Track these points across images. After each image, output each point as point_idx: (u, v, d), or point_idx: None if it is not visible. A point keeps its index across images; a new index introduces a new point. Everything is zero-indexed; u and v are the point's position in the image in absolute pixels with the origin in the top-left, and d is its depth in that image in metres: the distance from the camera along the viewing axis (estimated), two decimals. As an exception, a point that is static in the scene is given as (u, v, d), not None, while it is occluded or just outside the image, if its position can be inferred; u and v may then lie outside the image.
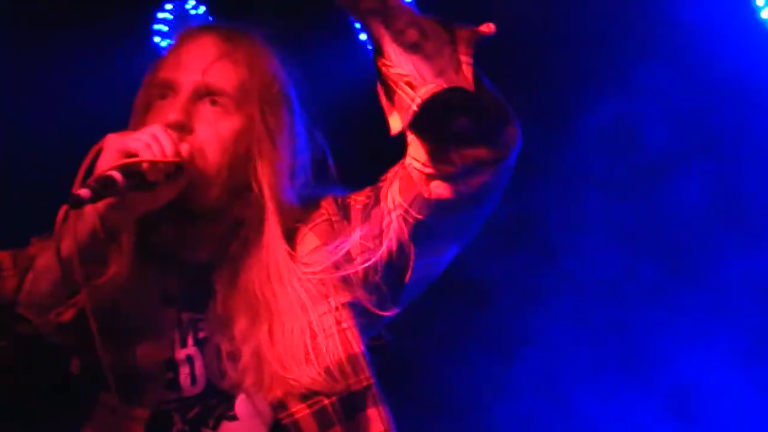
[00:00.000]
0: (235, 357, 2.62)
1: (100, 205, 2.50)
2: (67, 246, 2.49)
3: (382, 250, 2.65)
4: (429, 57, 2.42)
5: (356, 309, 2.68)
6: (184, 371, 2.66)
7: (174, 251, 2.71)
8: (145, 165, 2.53)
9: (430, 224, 2.61)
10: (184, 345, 2.67)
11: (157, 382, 2.65)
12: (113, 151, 2.53)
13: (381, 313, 2.68)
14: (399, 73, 2.42)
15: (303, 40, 4.51)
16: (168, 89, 2.71)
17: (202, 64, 2.72)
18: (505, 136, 2.51)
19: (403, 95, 2.43)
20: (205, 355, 2.64)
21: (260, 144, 2.71)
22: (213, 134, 2.67)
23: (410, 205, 2.60)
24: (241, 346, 2.60)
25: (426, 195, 2.58)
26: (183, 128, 2.64)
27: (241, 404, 2.60)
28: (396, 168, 2.66)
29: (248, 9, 4.81)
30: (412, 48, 2.41)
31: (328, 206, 2.75)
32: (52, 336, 2.55)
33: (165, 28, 5.28)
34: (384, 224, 2.65)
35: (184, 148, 2.59)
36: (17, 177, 4.72)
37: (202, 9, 5.32)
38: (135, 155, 2.53)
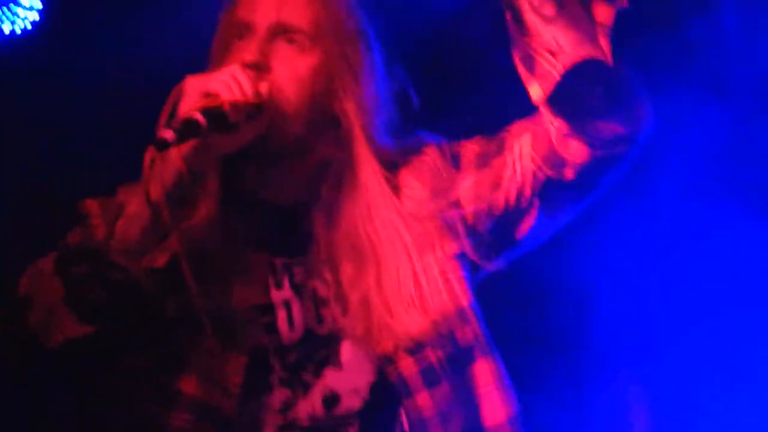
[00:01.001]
0: (337, 302, 2.62)
1: (184, 147, 2.53)
2: (155, 190, 2.51)
3: (499, 200, 2.64)
4: (567, 28, 2.48)
5: (462, 261, 2.66)
6: (282, 315, 2.67)
7: (261, 194, 2.72)
8: (226, 106, 2.57)
9: (559, 183, 2.60)
10: (279, 288, 2.69)
11: (254, 326, 2.67)
12: (194, 93, 2.57)
13: (485, 265, 2.67)
14: (540, 42, 2.49)
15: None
16: (245, 29, 2.72)
17: (276, 3, 2.73)
18: (639, 112, 2.54)
19: (545, 63, 2.49)
20: (302, 300, 2.65)
21: (341, 79, 2.72)
22: (290, 72, 2.68)
23: (543, 161, 2.59)
24: (348, 293, 2.59)
25: (562, 153, 2.56)
26: (261, 68, 2.67)
27: (346, 352, 2.62)
28: (525, 122, 2.65)
29: None
30: (550, 20, 2.48)
31: (431, 152, 2.75)
32: (146, 282, 2.59)
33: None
34: (506, 175, 2.63)
35: (263, 88, 2.63)
36: (98, 124, 4.69)
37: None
38: (216, 96, 2.57)
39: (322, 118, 2.71)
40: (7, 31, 5.01)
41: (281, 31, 2.72)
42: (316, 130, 2.71)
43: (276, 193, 2.73)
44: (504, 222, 2.66)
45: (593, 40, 2.49)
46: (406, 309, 2.55)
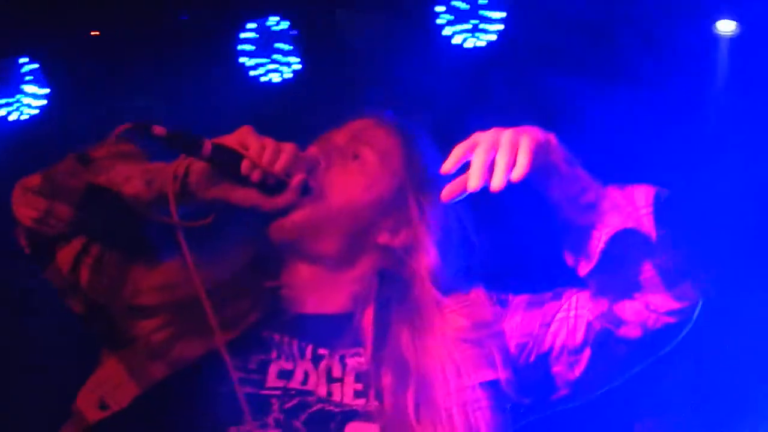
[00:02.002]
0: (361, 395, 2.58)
1: (196, 166, 2.56)
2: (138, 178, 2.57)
3: (547, 337, 2.61)
4: (605, 212, 2.50)
5: (496, 389, 2.61)
6: (298, 373, 2.63)
7: (298, 308, 2.69)
8: (245, 158, 2.54)
9: (617, 337, 2.57)
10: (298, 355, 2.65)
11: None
12: (234, 136, 2.59)
13: (517, 396, 2.61)
14: (584, 223, 2.49)
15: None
16: (324, 138, 2.76)
17: (360, 126, 2.77)
18: (689, 287, 2.54)
19: (593, 237, 2.49)
20: (317, 372, 2.60)
21: (407, 204, 2.71)
22: (342, 183, 2.68)
23: (601, 314, 2.57)
24: (385, 396, 2.56)
25: (620, 314, 2.55)
26: (313, 164, 2.66)
27: (353, 430, 2.58)
28: (588, 284, 2.60)
29: (331, 23, 5.25)
30: (589, 208, 2.50)
31: (478, 291, 2.71)
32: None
33: (250, 48, 5.38)
34: (558, 317, 2.62)
35: (298, 176, 2.60)
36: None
37: (285, 24, 5.38)
38: (245, 148, 2.57)
39: (366, 239, 2.70)
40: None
41: (353, 146, 2.74)
42: (357, 247, 2.70)
43: (317, 305, 2.71)
44: (548, 361, 2.64)
45: (636, 217, 2.51)
46: (434, 424, 2.55)
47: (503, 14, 5.11)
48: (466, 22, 5.13)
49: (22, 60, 5.36)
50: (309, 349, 2.63)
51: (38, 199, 2.62)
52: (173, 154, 2.59)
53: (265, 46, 5.32)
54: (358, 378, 2.62)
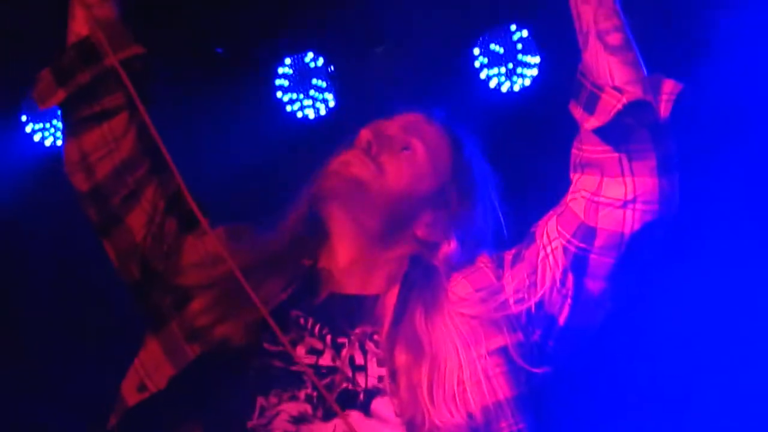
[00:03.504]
0: (383, 373, 2.63)
1: None
2: None
3: (537, 285, 2.63)
4: (626, 64, 2.50)
5: (506, 355, 2.65)
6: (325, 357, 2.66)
7: (335, 284, 2.75)
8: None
9: (593, 255, 2.58)
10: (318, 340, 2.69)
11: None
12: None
13: (528, 367, 2.65)
14: (597, 74, 2.49)
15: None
16: (375, 128, 2.81)
17: (409, 120, 2.83)
18: (673, 172, 2.55)
19: (609, 98, 2.48)
20: (340, 358, 2.64)
21: (448, 204, 2.76)
22: (394, 169, 2.74)
23: (573, 235, 2.57)
24: (400, 377, 2.60)
25: (592, 224, 2.55)
26: (369, 147, 2.74)
27: (379, 407, 2.62)
28: (550, 212, 2.66)
29: (366, 59, 5.30)
30: (612, 50, 2.50)
31: (482, 258, 2.74)
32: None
33: (286, 83, 5.44)
34: (540, 259, 2.62)
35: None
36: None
37: (321, 61, 5.44)
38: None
39: (406, 228, 2.76)
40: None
41: (405, 137, 2.80)
42: (396, 233, 2.75)
43: (351, 285, 2.76)
44: (547, 306, 2.64)
45: (648, 86, 2.52)
46: (446, 402, 2.58)
47: (537, 59, 5.15)
48: (503, 65, 5.17)
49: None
50: (329, 338, 2.66)
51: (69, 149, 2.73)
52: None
53: (301, 81, 5.33)
54: (380, 362, 2.65)
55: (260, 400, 2.60)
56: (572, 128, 2.71)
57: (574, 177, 2.61)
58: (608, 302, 2.66)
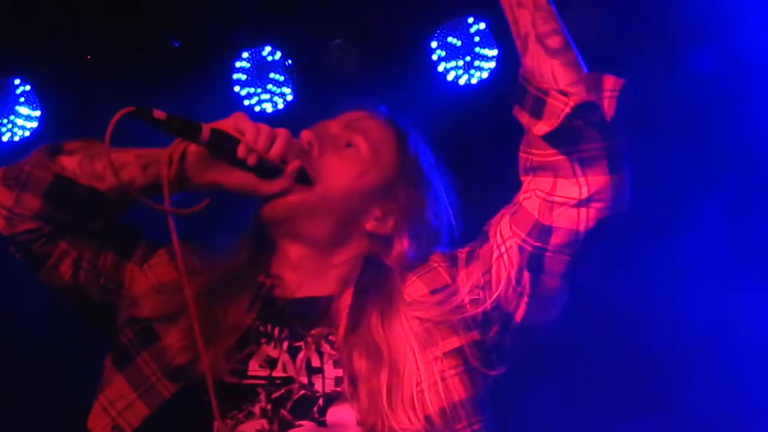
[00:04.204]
0: (343, 381, 2.62)
1: (192, 148, 2.60)
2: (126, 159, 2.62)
3: (492, 285, 2.64)
4: (568, 65, 2.49)
5: (462, 356, 2.66)
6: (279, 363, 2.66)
7: (285, 291, 2.73)
8: (241, 142, 2.57)
9: (549, 253, 2.59)
10: (275, 347, 2.68)
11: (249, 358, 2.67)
12: (229, 122, 2.62)
13: (483, 369, 2.68)
14: (540, 78, 2.49)
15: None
16: (320, 126, 2.80)
17: (354, 117, 2.82)
18: (623, 167, 2.56)
19: (555, 102, 2.47)
20: (295, 364, 2.64)
21: (395, 203, 2.76)
22: (338, 169, 2.72)
23: (528, 234, 2.58)
24: (359, 383, 2.59)
25: (547, 223, 2.56)
26: (308, 149, 2.70)
27: (334, 415, 2.62)
28: (502, 211, 2.66)
29: (324, 52, 5.24)
30: (553, 53, 2.49)
31: (435, 257, 2.75)
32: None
33: (244, 77, 5.39)
34: (494, 258, 2.63)
35: (294, 162, 2.64)
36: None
37: (278, 54, 5.39)
38: (241, 133, 2.60)
39: (355, 225, 2.76)
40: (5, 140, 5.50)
41: (347, 134, 2.79)
42: (346, 233, 2.76)
43: (304, 289, 2.76)
44: (503, 304, 2.66)
45: (591, 85, 2.52)
46: (405, 408, 2.59)
47: (495, 51, 5.15)
48: (461, 58, 5.16)
49: (15, 81, 5.37)
50: (285, 344, 2.66)
51: (5, 191, 2.64)
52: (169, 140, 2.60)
53: (258, 75, 5.30)
54: (337, 364, 2.65)
55: (216, 425, 2.60)
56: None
57: (526, 179, 2.60)
58: (564, 297, 2.68)
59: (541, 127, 2.50)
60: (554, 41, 2.50)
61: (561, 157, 2.52)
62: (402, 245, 2.76)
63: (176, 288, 2.65)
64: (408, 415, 2.59)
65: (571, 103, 2.46)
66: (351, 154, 2.75)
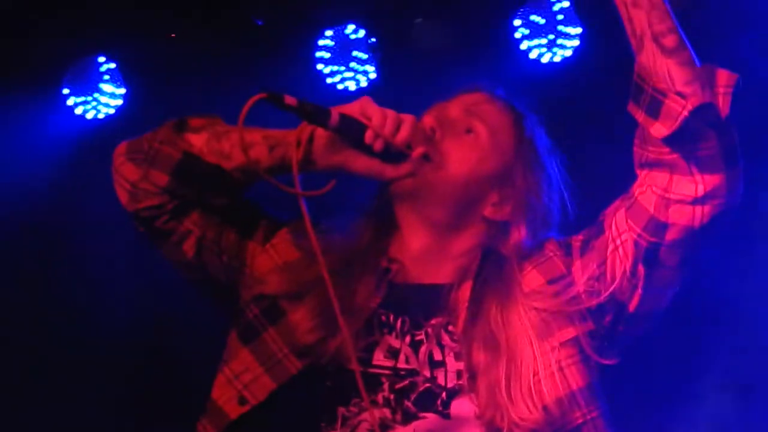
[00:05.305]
0: (464, 373, 2.66)
1: (319, 132, 2.65)
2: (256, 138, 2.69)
3: (608, 277, 2.67)
4: (683, 65, 2.51)
5: (578, 345, 2.70)
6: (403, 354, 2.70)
7: (409, 275, 2.77)
8: (368, 127, 2.61)
9: (664, 248, 2.62)
10: (398, 338, 2.72)
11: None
12: (356, 106, 2.65)
13: (598, 358, 2.71)
14: (656, 78, 2.51)
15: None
16: (440, 109, 2.83)
17: (473, 99, 2.84)
18: (738, 168, 2.59)
19: (674, 105, 2.49)
20: (418, 357, 2.68)
21: (513, 189, 2.77)
22: (459, 155, 2.75)
23: (643, 229, 2.60)
24: (479, 376, 2.63)
25: (663, 219, 2.60)
26: (432, 135, 2.74)
27: (458, 408, 2.66)
28: (617, 202, 2.69)
29: (407, 31, 5.27)
30: (669, 52, 2.52)
31: (550, 246, 2.77)
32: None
33: (327, 55, 5.38)
34: (609, 251, 2.66)
35: (419, 147, 2.68)
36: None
37: (362, 33, 5.37)
38: (368, 119, 2.63)
39: (475, 211, 2.79)
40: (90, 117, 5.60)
41: (467, 120, 2.81)
42: (466, 218, 2.78)
43: (424, 275, 2.80)
44: (616, 297, 2.70)
45: (706, 85, 2.53)
46: (524, 398, 2.62)
47: (579, 30, 5.11)
48: (544, 36, 5.14)
49: (100, 59, 5.42)
50: (408, 337, 2.71)
51: (130, 165, 2.74)
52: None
53: (342, 53, 5.30)
54: (458, 357, 2.70)
55: (341, 410, 2.68)
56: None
57: (641, 173, 2.65)
58: (677, 287, 2.73)
59: (659, 129, 2.54)
60: (670, 40, 2.52)
61: (677, 155, 2.56)
62: (519, 232, 2.79)
63: (302, 267, 2.73)
64: (527, 405, 2.63)
65: (690, 106, 2.50)
66: (471, 141, 2.78)
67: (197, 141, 2.72)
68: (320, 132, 2.65)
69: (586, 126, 4.76)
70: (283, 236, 2.82)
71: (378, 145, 2.64)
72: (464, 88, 2.91)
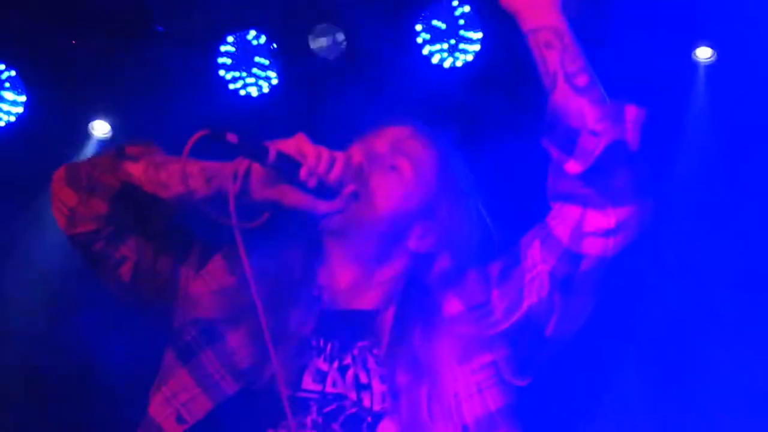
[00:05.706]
0: (386, 395, 2.74)
1: (256, 167, 2.71)
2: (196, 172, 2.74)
3: (524, 305, 2.76)
4: (594, 103, 2.61)
5: (496, 368, 2.78)
6: (330, 377, 2.77)
7: (336, 303, 2.85)
8: (303, 165, 2.71)
9: (578, 277, 2.72)
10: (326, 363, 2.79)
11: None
12: (293, 144, 2.74)
13: (514, 380, 2.79)
14: (580, 123, 2.60)
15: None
16: (369, 143, 2.90)
17: (397, 136, 2.92)
18: (648, 198, 2.68)
19: (586, 143, 2.60)
20: (345, 381, 2.75)
21: (435, 215, 2.85)
22: (385, 191, 2.84)
23: (558, 261, 2.71)
24: (401, 397, 2.72)
25: (576, 251, 2.70)
26: (359, 172, 2.82)
27: (383, 431, 2.72)
28: (533, 232, 2.78)
29: (309, 36, 5.16)
30: (581, 91, 2.62)
31: (471, 274, 2.86)
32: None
33: (228, 61, 5.39)
34: (525, 281, 2.76)
35: (349, 185, 2.78)
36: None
37: (263, 39, 5.39)
38: (304, 157, 2.73)
39: (399, 244, 2.87)
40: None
41: (392, 157, 2.89)
42: (391, 250, 2.87)
43: (350, 301, 2.88)
44: (533, 321, 2.78)
45: (616, 121, 2.63)
46: (444, 418, 2.72)
47: (480, 34, 5.14)
48: (446, 41, 5.15)
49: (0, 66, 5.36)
50: (336, 361, 2.78)
51: (70, 192, 2.80)
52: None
53: (243, 59, 5.30)
54: (383, 380, 2.78)
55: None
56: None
57: (555, 205, 2.74)
58: (591, 310, 2.82)
59: (574, 165, 2.64)
60: (582, 80, 2.63)
61: (590, 189, 2.66)
62: (441, 262, 2.88)
63: (237, 292, 2.81)
64: (447, 424, 2.73)
65: (602, 144, 2.60)
66: (396, 178, 2.86)
67: (135, 170, 2.79)
68: (257, 166, 2.74)
69: (487, 130, 4.79)
70: (218, 262, 2.91)
71: (312, 182, 2.74)
72: (391, 121, 2.99)
